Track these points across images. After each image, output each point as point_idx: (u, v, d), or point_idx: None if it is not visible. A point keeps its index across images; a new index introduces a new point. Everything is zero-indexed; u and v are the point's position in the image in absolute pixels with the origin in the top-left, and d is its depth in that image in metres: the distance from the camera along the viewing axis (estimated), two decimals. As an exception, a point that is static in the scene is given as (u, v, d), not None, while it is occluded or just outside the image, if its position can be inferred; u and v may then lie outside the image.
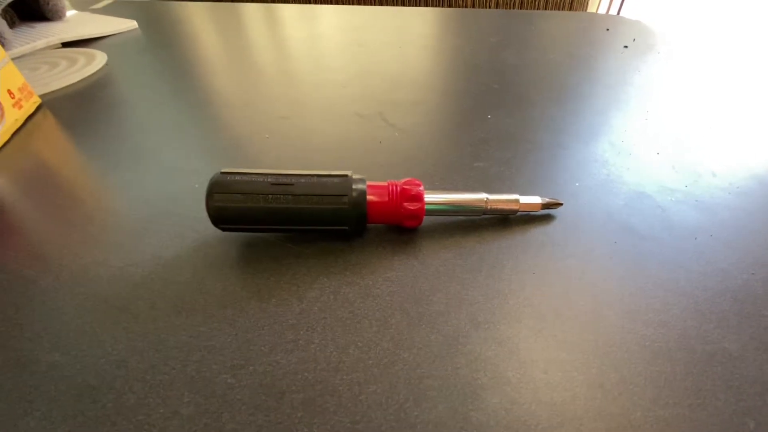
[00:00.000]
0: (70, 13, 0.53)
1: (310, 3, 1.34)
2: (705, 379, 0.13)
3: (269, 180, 0.17)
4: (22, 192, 0.22)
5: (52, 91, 0.35)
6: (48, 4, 0.48)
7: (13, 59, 0.41)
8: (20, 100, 0.30)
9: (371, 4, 1.30)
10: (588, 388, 0.13)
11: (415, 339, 0.15)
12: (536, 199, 0.19)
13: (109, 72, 0.39)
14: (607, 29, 0.45)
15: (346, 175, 0.17)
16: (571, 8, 0.98)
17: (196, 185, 0.22)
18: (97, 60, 0.40)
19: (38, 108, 0.32)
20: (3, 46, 0.40)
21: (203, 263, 0.18)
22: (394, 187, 0.18)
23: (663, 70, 0.34)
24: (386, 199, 0.17)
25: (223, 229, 0.18)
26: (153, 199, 0.21)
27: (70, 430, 0.12)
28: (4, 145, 0.28)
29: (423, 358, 0.14)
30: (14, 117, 0.29)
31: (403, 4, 1.18)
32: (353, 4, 1.34)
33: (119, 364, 0.14)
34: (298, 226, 0.17)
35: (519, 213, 0.19)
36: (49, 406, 0.13)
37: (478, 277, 0.17)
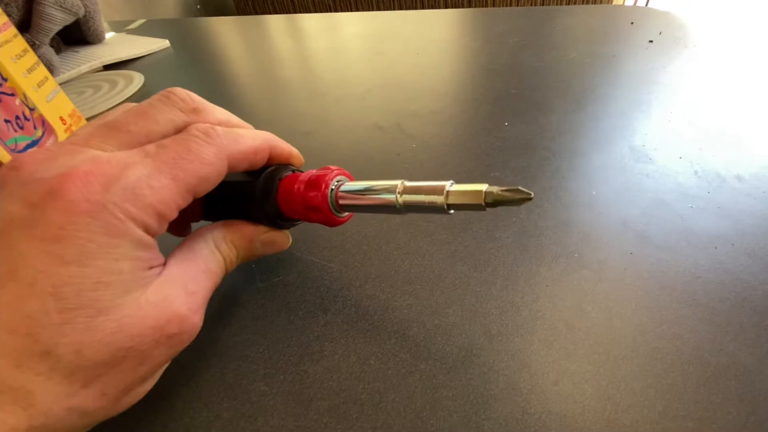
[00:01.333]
0: (109, 35, 0.57)
1: (330, 11, 1.36)
2: (717, 393, 0.14)
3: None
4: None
5: (97, 114, 0.38)
6: (89, 29, 0.52)
7: (61, 84, 0.45)
8: (71, 125, 0.33)
9: (390, 7, 1.30)
10: (598, 401, 0.14)
11: (432, 351, 0.16)
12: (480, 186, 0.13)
13: (147, 92, 0.42)
14: (632, 23, 0.44)
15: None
16: (594, 2, 0.95)
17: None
18: (135, 81, 0.43)
19: (86, 131, 0.35)
20: (52, 72, 0.44)
21: (237, 278, 0.19)
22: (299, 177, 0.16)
23: (689, 67, 0.33)
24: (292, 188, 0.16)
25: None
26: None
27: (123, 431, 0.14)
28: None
29: (439, 369, 0.15)
30: (66, 141, 0.32)
31: (423, 7, 1.18)
32: (372, 7, 1.35)
33: (166, 371, 0.16)
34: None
35: (452, 211, 0.13)
36: None
37: (492, 289, 0.18)
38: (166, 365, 0.14)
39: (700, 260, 0.18)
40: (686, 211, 0.20)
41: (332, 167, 0.16)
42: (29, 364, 0.10)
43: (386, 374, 0.15)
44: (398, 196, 0.14)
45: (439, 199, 0.13)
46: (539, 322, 0.16)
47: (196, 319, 0.13)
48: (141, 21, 0.70)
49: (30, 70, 0.29)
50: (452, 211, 0.13)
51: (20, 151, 0.27)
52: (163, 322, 0.12)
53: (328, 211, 0.15)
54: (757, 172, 0.22)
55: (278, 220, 0.17)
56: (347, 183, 0.16)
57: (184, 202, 0.13)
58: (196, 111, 0.15)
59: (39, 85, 0.30)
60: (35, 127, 0.29)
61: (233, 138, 0.14)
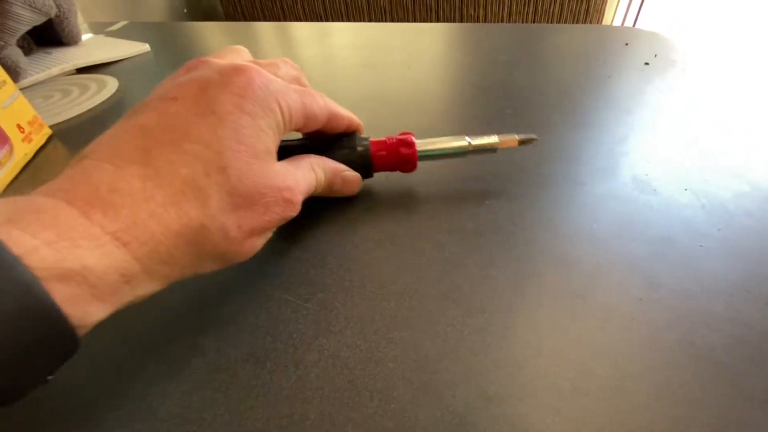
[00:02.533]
0: (86, 36, 0.54)
1: (321, 20, 1.35)
2: (748, 477, 0.12)
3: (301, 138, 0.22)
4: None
5: (64, 121, 0.35)
6: (64, 30, 0.49)
7: (28, 87, 0.42)
8: (30, 133, 0.30)
9: (383, 19, 1.30)
10: (612, 485, 0.12)
11: (420, 416, 0.13)
12: (513, 136, 0.23)
13: (120, 98, 0.39)
14: (626, 44, 0.43)
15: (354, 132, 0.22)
16: (585, 20, 0.96)
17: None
18: (108, 87, 0.41)
19: (49, 139, 0.33)
20: (18, 75, 0.41)
21: (197, 319, 0.17)
22: (391, 138, 0.22)
23: (688, 91, 0.33)
24: (384, 149, 0.22)
25: None
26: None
27: None
28: (13, 180, 0.28)
29: (427, 440, 0.13)
30: (24, 151, 0.29)
31: (415, 19, 1.18)
32: (364, 18, 1.35)
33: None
34: None
35: (498, 150, 0.23)
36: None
37: (488, 339, 0.16)
38: (272, 232, 0.17)
39: (715, 309, 0.16)
40: (696, 250, 0.19)
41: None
42: (212, 174, 0.14)
43: (366, 446, 0.13)
44: (469, 143, 0.22)
45: (492, 138, 0.23)
46: (542, 382, 0.14)
47: (300, 197, 0.17)
48: (123, 23, 0.67)
49: (-18, 74, 0.27)
50: (497, 150, 0.23)
51: (-36, 164, 0.24)
52: (283, 187, 0.16)
53: (414, 146, 0.22)
54: (767, 208, 0.21)
55: (364, 165, 0.22)
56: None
57: (301, 121, 0.18)
58: (300, 76, 0.21)
59: (-7, 90, 0.27)
60: (-16, 137, 0.26)
61: (335, 104, 0.20)
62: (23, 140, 0.29)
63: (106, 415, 0.14)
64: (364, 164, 0.22)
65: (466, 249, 0.19)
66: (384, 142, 0.22)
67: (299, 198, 0.17)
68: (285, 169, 0.17)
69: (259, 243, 0.16)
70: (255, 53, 0.20)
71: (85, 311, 0.11)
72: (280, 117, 0.16)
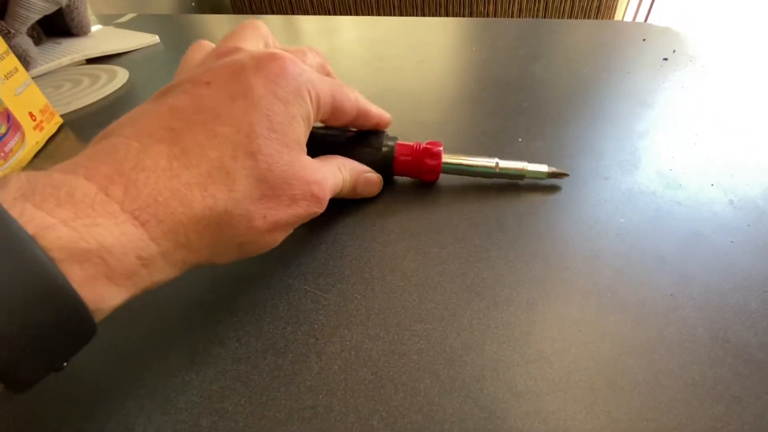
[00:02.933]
0: (95, 28, 0.54)
1: (328, 14, 1.34)
2: (794, 478, 0.11)
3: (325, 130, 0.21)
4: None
5: (74, 110, 0.35)
6: (74, 20, 0.49)
7: (38, 77, 0.41)
8: (42, 121, 0.30)
9: (390, 13, 1.29)
10: (652, 484, 0.11)
11: (448, 410, 0.13)
12: (542, 167, 0.22)
13: (130, 89, 0.39)
14: (644, 39, 0.42)
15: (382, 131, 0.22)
16: (597, 16, 0.94)
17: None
18: (118, 77, 0.40)
19: (60, 128, 0.32)
20: (29, 64, 0.40)
21: (217, 308, 0.17)
22: (419, 145, 0.22)
23: (709, 87, 0.32)
24: (410, 153, 0.21)
25: None
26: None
27: None
28: (25, 167, 0.27)
29: (456, 434, 0.12)
30: (35, 139, 0.29)
31: (424, 14, 1.17)
32: (372, 12, 1.34)
33: (126, 427, 0.13)
34: None
35: (526, 180, 0.22)
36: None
37: (515, 333, 0.15)
38: (293, 228, 0.16)
39: (750, 306, 0.16)
40: (727, 246, 0.18)
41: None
42: (241, 158, 0.14)
43: (393, 440, 0.12)
44: (498, 164, 0.21)
45: (521, 164, 0.22)
46: (573, 377, 0.14)
47: (328, 194, 0.17)
48: (131, 15, 0.67)
49: (-5, 60, 0.26)
50: (523, 180, 0.22)
51: (-23, 150, 0.24)
52: (311, 180, 0.16)
53: (440, 157, 0.21)
54: (797, 204, 0.20)
55: (385, 166, 0.21)
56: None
57: (328, 113, 0.18)
58: (325, 63, 0.20)
59: (6, 77, 0.27)
60: (-2, 123, 0.26)
61: (366, 101, 0.20)
62: (35, 128, 0.29)
63: (124, 403, 0.14)
64: (386, 166, 0.21)
65: (490, 242, 0.19)
66: (411, 147, 0.22)
67: (327, 195, 0.17)
68: (314, 164, 0.16)
69: (279, 238, 0.16)
70: None
71: (101, 295, 0.11)
72: (310, 107, 0.16)
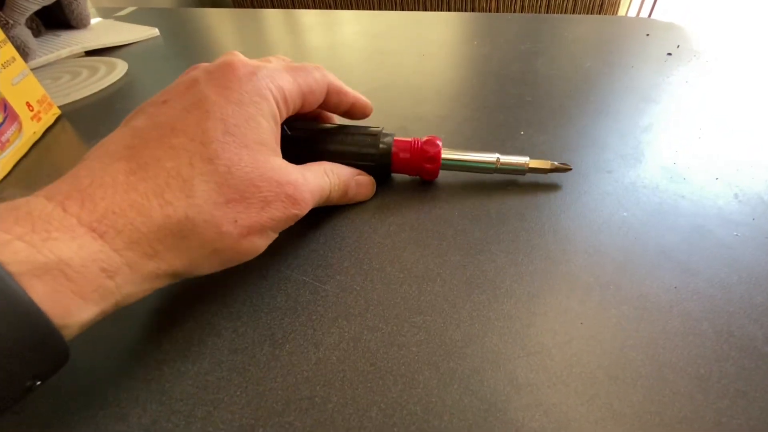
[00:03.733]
0: (94, 20, 0.54)
1: (329, 8, 1.34)
2: (800, 472, 0.11)
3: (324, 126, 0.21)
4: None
5: (72, 102, 0.35)
6: (73, 12, 0.48)
7: (37, 68, 0.41)
8: (39, 112, 0.30)
9: (391, 7, 1.28)
10: (655, 478, 0.11)
11: (447, 402, 0.13)
12: (545, 162, 0.21)
13: (129, 81, 0.39)
14: (647, 35, 0.42)
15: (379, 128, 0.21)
16: (600, 12, 0.94)
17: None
18: (117, 69, 0.40)
19: (57, 119, 0.32)
20: (27, 55, 0.40)
21: (212, 299, 0.16)
22: (417, 141, 0.21)
23: (713, 81, 0.32)
24: (408, 150, 0.21)
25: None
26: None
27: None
28: (22, 158, 0.27)
29: (456, 426, 0.12)
30: (32, 130, 0.29)
31: (425, 9, 1.16)
32: (373, 6, 1.33)
33: (120, 417, 0.13)
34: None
35: (527, 175, 0.22)
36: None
37: (516, 325, 0.15)
38: (277, 234, 0.16)
39: (755, 300, 0.15)
40: (732, 239, 0.18)
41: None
42: (198, 165, 0.13)
43: (392, 431, 0.12)
44: (498, 159, 0.21)
45: (523, 159, 0.21)
46: (575, 369, 0.13)
47: (307, 196, 0.16)
48: (131, 8, 0.66)
49: (-9, 48, 0.26)
50: (527, 174, 0.22)
51: (-28, 139, 0.24)
52: (285, 182, 0.15)
53: (439, 156, 0.21)
54: (803, 199, 0.20)
55: (382, 164, 0.21)
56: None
57: (299, 100, 0.17)
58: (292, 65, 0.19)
59: (3, 66, 0.27)
60: (-6, 112, 0.25)
61: (336, 78, 0.19)
62: (32, 119, 0.29)
63: (120, 394, 0.14)
64: (383, 164, 0.21)
65: (491, 235, 0.19)
66: (408, 143, 0.21)
67: (306, 197, 0.16)
68: (290, 166, 0.16)
69: (259, 243, 0.15)
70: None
71: (66, 308, 0.11)
72: (273, 104, 0.16)
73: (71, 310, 0.11)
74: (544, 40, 0.43)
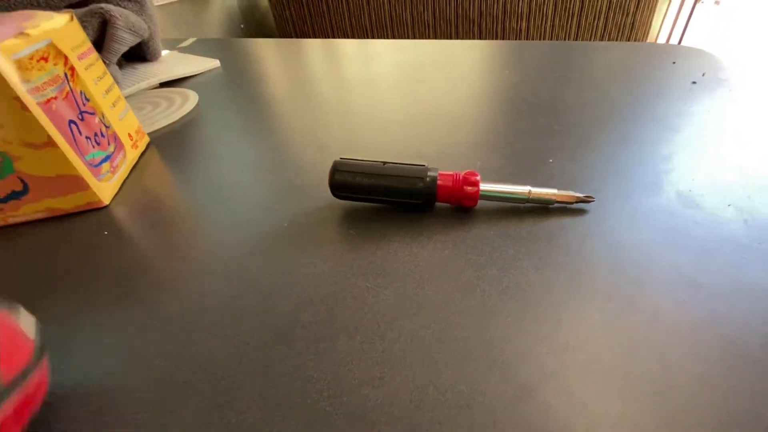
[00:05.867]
0: (164, 53, 0.61)
1: (367, 32, 1.41)
2: (779, 451, 0.14)
3: (371, 162, 0.25)
4: (139, 224, 0.27)
5: (156, 130, 0.41)
6: (150, 48, 0.56)
7: (123, 99, 0.48)
8: (137, 141, 0.36)
9: (426, 32, 1.34)
10: (656, 449, 0.14)
11: (489, 385, 0.16)
12: (570, 194, 0.25)
13: (201, 110, 0.45)
14: (674, 62, 0.44)
15: (423, 164, 0.25)
16: (631, 34, 0.95)
17: (285, 224, 0.26)
18: (191, 100, 0.46)
19: (147, 146, 0.38)
20: (117, 88, 0.47)
21: (298, 296, 0.21)
22: (458, 174, 0.25)
23: (734, 110, 0.34)
24: (450, 182, 0.25)
25: (339, 197, 0.26)
26: (245, 236, 0.25)
27: (206, 441, 0.15)
28: (125, 180, 0.33)
29: (496, 404, 0.16)
30: (132, 156, 0.35)
31: (457, 29, 1.21)
32: (408, 31, 1.40)
33: (239, 385, 0.17)
34: (391, 198, 0.25)
35: (556, 204, 0.25)
36: (186, 418, 0.16)
37: (544, 328, 0.18)
38: None
39: (755, 312, 0.18)
40: (738, 261, 0.20)
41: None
42: None
43: (444, 405, 0.16)
44: (530, 191, 0.25)
45: (552, 191, 0.25)
46: (594, 365, 0.17)
47: None
48: (192, 39, 0.74)
49: (107, 91, 0.32)
50: (553, 204, 0.25)
51: (96, 166, 0.29)
52: None
53: (478, 185, 0.24)
54: (811, 225, 0.22)
55: (428, 195, 0.24)
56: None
57: None
58: None
59: (114, 105, 0.33)
60: (109, 143, 0.31)
61: None
62: (132, 147, 0.35)
63: (233, 371, 0.18)
64: (429, 194, 0.24)
65: (522, 252, 0.22)
66: (451, 176, 0.25)
67: None
68: None
69: None
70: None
71: None
72: None
73: None
74: (573, 68, 0.46)
